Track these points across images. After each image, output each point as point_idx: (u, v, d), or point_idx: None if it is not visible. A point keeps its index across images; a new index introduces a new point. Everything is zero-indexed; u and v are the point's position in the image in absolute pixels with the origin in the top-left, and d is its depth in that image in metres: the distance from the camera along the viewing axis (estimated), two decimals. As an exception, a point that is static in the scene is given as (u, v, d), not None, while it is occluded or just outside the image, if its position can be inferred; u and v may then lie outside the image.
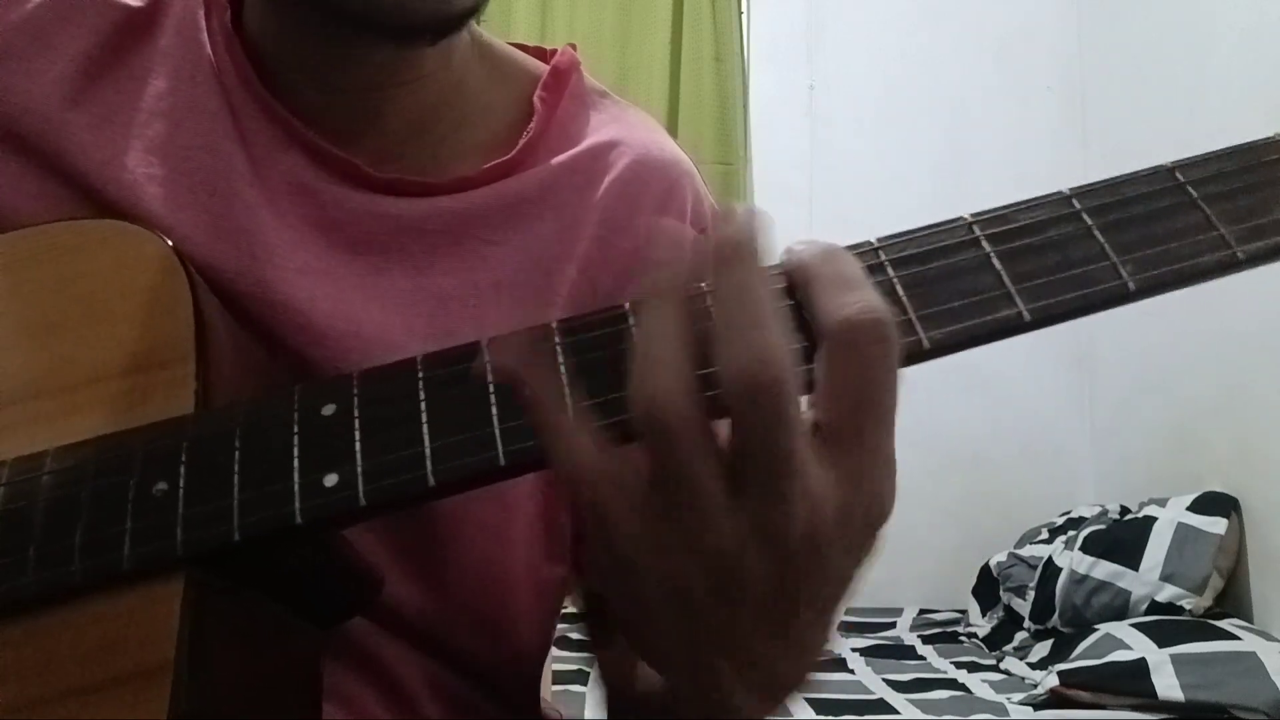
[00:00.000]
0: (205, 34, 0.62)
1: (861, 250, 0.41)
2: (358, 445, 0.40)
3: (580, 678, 2.00)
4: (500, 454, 0.39)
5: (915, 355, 0.39)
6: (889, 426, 0.37)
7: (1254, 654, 1.93)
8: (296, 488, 0.40)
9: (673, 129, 3.09)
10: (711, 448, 0.36)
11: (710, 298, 0.38)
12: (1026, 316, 0.39)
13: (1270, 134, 0.43)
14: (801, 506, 0.36)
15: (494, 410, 0.40)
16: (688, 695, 0.42)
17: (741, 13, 3.31)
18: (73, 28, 0.61)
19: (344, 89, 0.60)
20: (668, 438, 0.35)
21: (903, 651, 2.56)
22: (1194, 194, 0.41)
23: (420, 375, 0.41)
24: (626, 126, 0.67)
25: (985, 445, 3.12)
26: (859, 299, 0.37)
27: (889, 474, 0.38)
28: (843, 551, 0.37)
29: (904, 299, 0.39)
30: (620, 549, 0.37)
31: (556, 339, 0.40)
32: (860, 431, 0.37)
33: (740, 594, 0.37)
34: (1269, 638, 2.05)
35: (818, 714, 2.02)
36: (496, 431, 0.39)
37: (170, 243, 0.50)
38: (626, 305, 0.41)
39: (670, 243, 0.39)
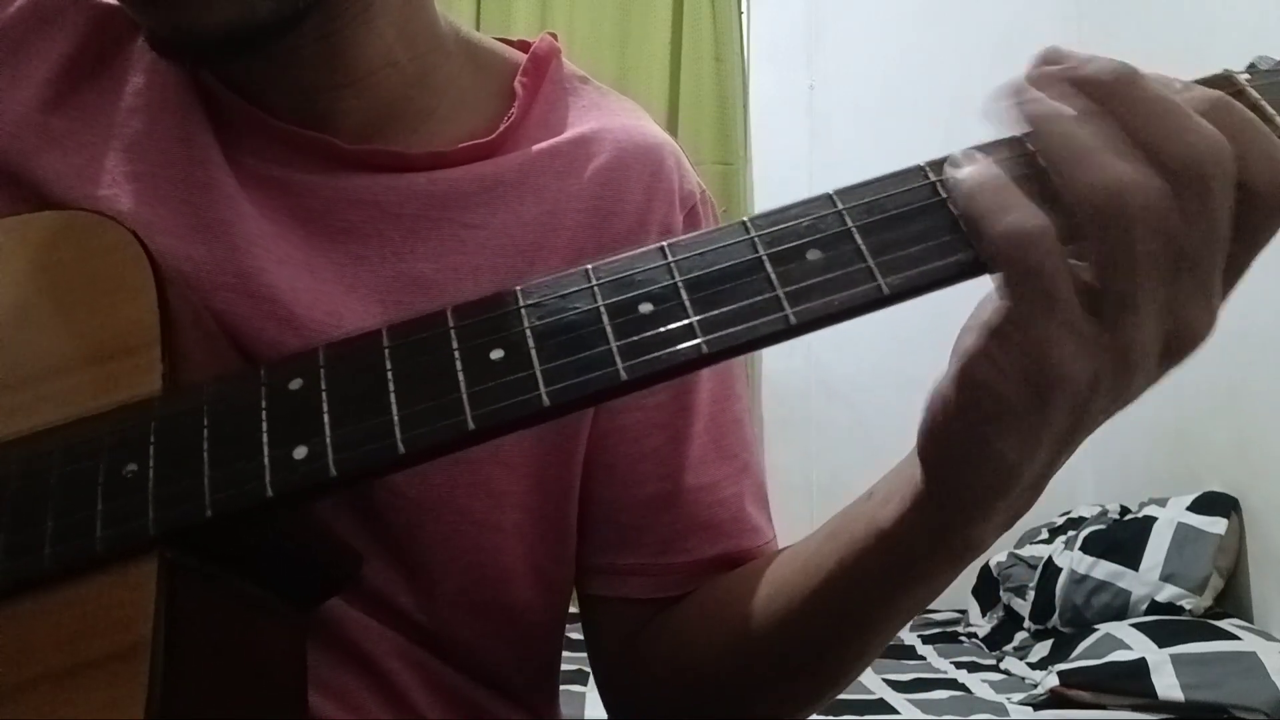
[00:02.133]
0: None
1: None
2: (326, 417, 0.40)
3: (580, 678, 2.00)
4: (469, 418, 0.39)
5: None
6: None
7: (1254, 654, 1.93)
8: (266, 461, 0.40)
9: (673, 129, 3.09)
10: (1162, 239, 0.37)
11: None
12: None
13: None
14: (1207, 320, 0.39)
15: (460, 376, 0.40)
16: (980, 498, 0.43)
17: (741, 13, 3.32)
18: (53, 31, 0.61)
19: (290, 90, 0.60)
20: (1128, 217, 0.36)
21: (903, 651, 2.56)
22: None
23: (386, 345, 0.41)
24: (608, 113, 0.67)
25: (985, 445, 3.11)
26: (1270, 142, 0.39)
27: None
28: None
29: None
30: (1060, 331, 0.37)
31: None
32: (1247, 266, 0.40)
33: (1125, 393, 0.39)
34: (1269, 638, 2.05)
35: (818, 714, 2.01)
36: (464, 397, 0.39)
37: (130, 229, 0.50)
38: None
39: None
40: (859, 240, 0.39)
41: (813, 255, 0.39)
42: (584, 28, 3.21)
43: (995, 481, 0.42)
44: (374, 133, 0.62)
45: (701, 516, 0.64)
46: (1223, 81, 0.42)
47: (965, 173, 0.39)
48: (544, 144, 0.63)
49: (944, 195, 0.40)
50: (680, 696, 0.63)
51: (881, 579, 0.50)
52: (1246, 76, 0.42)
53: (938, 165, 0.41)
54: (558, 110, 0.66)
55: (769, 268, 0.39)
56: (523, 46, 0.69)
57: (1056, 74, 0.39)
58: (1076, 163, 0.37)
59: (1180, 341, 0.38)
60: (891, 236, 0.39)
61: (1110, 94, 0.38)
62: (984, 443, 0.40)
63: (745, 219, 0.41)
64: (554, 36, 0.68)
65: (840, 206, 0.40)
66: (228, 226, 0.58)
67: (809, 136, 3.24)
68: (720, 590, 0.61)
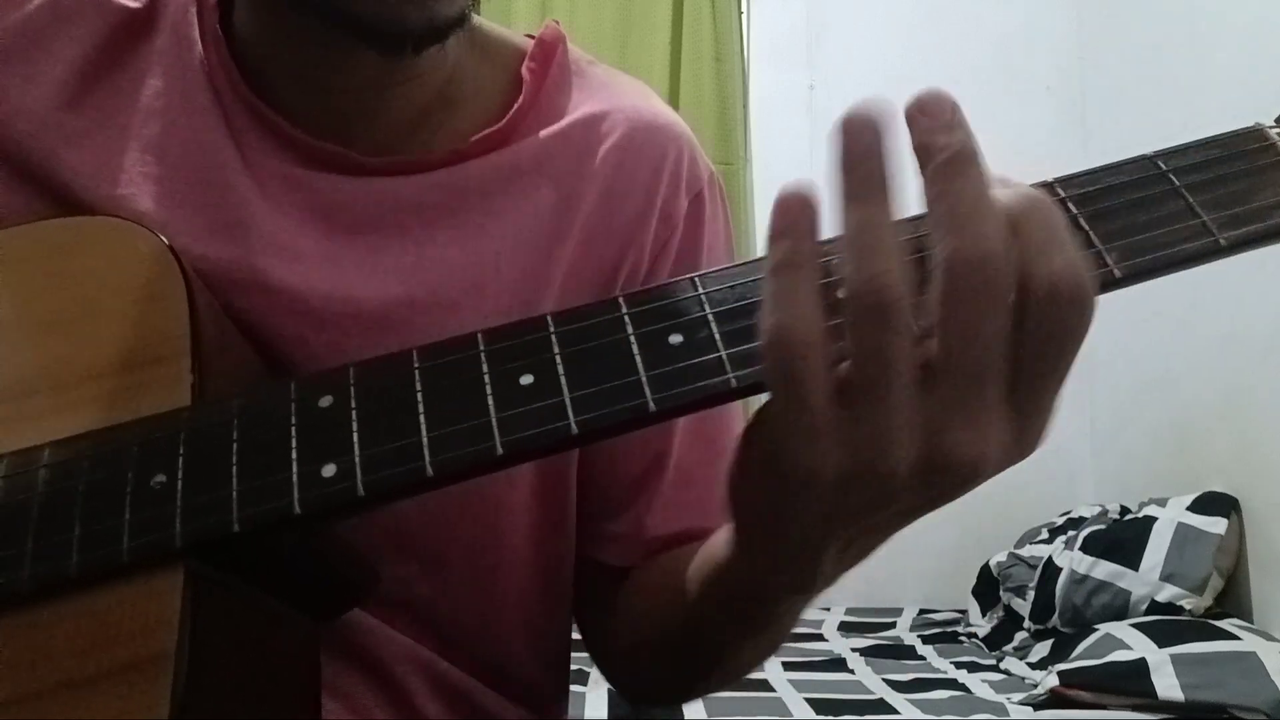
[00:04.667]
0: (197, 31, 0.62)
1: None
2: (355, 436, 0.40)
3: (580, 678, 2.00)
4: (498, 443, 0.39)
5: None
6: (1061, 386, 0.38)
7: (1254, 654, 1.93)
8: (295, 478, 0.40)
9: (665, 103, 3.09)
10: (915, 337, 0.36)
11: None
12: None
13: (1251, 123, 0.43)
14: (972, 444, 0.37)
15: (490, 400, 0.40)
16: (775, 571, 0.43)
17: (741, 13, 3.31)
18: (71, 30, 0.61)
19: (336, 90, 0.60)
20: (885, 312, 0.35)
21: (903, 651, 2.56)
22: (1176, 182, 0.41)
23: (416, 366, 0.41)
24: (617, 94, 0.67)
25: (985, 445, 3.11)
26: (1065, 260, 0.36)
27: (1047, 426, 0.39)
28: (981, 482, 0.39)
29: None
30: (805, 433, 0.37)
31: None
32: (1048, 385, 0.38)
33: (888, 501, 0.38)
34: (1269, 638, 2.05)
35: (818, 714, 2.02)
36: (493, 421, 0.39)
37: (164, 239, 0.50)
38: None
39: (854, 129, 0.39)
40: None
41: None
42: (584, 27, 3.20)
43: (759, 537, 0.43)
44: (406, 132, 0.62)
45: (675, 495, 0.65)
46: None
47: (771, 251, 0.38)
48: (555, 128, 0.64)
49: None
50: (639, 658, 0.65)
51: (711, 596, 0.52)
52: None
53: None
54: (565, 93, 0.66)
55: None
56: (527, 37, 0.70)
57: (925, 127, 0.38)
58: (855, 251, 0.36)
59: (942, 463, 0.37)
60: None
61: (930, 174, 0.37)
62: (746, 503, 0.42)
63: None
64: (558, 24, 0.69)
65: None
66: (244, 226, 0.58)
67: (809, 136, 3.24)
68: (668, 564, 0.62)
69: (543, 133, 0.63)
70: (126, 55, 0.62)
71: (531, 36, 0.69)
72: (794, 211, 0.38)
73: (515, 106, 0.63)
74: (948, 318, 0.36)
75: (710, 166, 0.69)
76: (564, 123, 0.64)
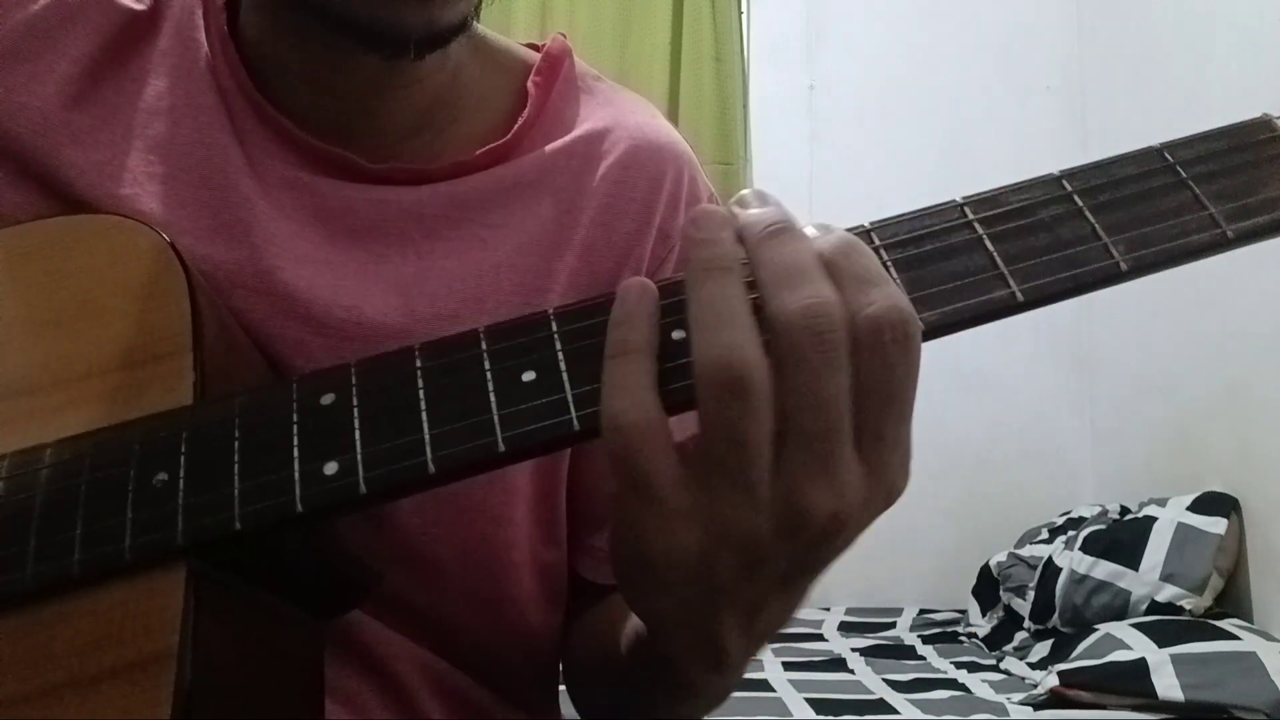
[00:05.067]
0: (202, 33, 0.62)
1: (855, 233, 0.41)
2: (357, 433, 0.40)
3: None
4: (499, 440, 0.39)
5: None
6: (908, 421, 0.38)
7: (1254, 654, 1.93)
8: (297, 476, 0.40)
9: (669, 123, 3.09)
10: (770, 411, 0.36)
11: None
12: (1019, 297, 0.39)
13: (1260, 113, 0.43)
14: (828, 499, 0.36)
15: (492, 397, 0.40)
16: (682, 652, 0.43)
17: (741, 13, 3.32)
18: (77, 29, 0.61)
19: (339, 91, 0.60)
20: (736, 388, 0.36)
21: (903, 651, 2.56)
22: (1183, 174, 0.41)
23: (418, 364, 0.41)
24: (621, 111, 0.67)
25: (985, 445, 3.12)
26: (883, 296, 0.37)
27: (904, 466, 0.39)
28: (857, 531, 0.38)
29: (897, 281, 0.40)
30: (654, 521, 0.37)
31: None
32: (882, 429, 0.37)
33: (760, 570, 0.38)
34: (1269, 638, 2.05)
35: (818, 714, 2.02)
36: (495, 418, 0.39)
37: (166, 236, 0.50)
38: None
39: (705, 220, 0.39)
40: (893, 274, 0.40)
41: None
42: (584, 27, 3.20)
43: (651, 622, 0.43)
44: (408, 135, 0.62)
45: None
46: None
47: (608, 339, 0.39)
48: (559, 143, 0.64)
49: (981, 233, 0.40)
50: (581, 681, 0.67)
51: (637, 660, 0.52)
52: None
53: (975, 202, 0.41)
54: (570, 107, 0.66)
55: None
56: (532, 48, 0.70)
57: (722, 219, 0.39)
58: (699, 330, 0.37)
59: (802, 524, 0.37)
60: (928, 272, 0.40)
61: (751, 247, 0.38)
62: (625, 587, 0.42)
63: None
64: (564, 37, 0.69)
65: (878, 243, 0.41)
66: (247, 228, 0.58)
67: (809, 136, 3.24)
68: (617, 601, 0.63)
69: (547, 147, 0.64)
70: (131, 55, 0.62)
71: (537, 48, 0.69)
72: (631, 299, 0.39)
73: (520, 120, 0.64)
74: (789, 380, 0.36)
75: (710, 187, 0.69)
76: (568, 138, 0.64)
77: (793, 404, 0.36)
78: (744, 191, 0.40)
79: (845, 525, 0.37)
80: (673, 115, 3.17)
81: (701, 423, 0.36)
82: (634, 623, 0.52)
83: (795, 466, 0.36)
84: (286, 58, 0.61)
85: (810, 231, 0.39)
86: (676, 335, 0.39)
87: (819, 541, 0.38)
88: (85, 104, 0.60)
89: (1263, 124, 0.42)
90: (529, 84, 0.65)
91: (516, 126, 0.63)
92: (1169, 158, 0.42)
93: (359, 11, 0.53)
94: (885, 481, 0.38)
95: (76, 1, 0.61)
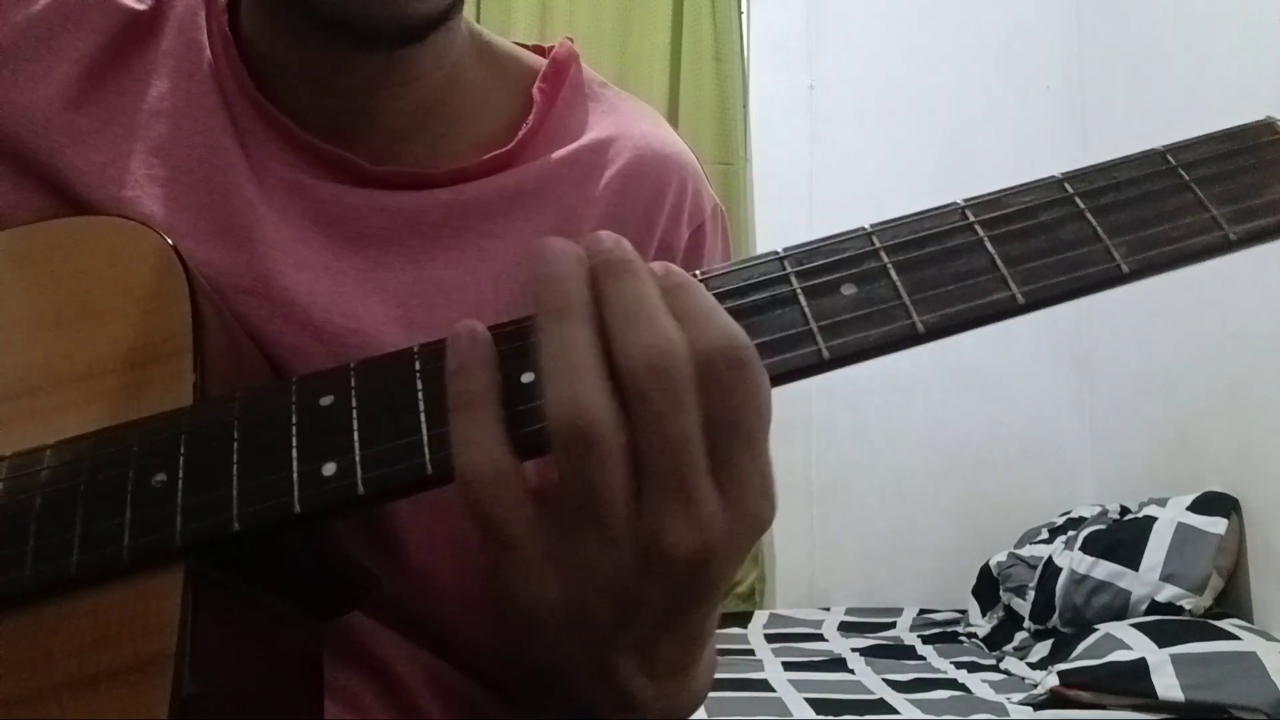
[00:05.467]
0: (205, 34, 0.62)
1: (855, 235, 0.41)
2: (356, 435, 0.40)
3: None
4: None
5: (909, 339, 0.39)
6: (759, 447, 0.38)
7: (1254, 654, 1.93)
8: (295, 477, 0.40)
9: (672, 129, 3.09)
10: (623, 458, 0.36)
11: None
12: (1020, 299, 0.39)
13: (1264, 115, 0.43)
14: (690, 534, 0.36)
15: None
16: (590, 689, 0.43)
17: (741, 13, 3.32)
18: (77, 30, 0.61)
19: (338, 90, 0.60)
20: (588, 442, 0.36)
21: (903, 651, 2.56)
22: (1186, 176, 0.41)
23: (417, 366, 0.41)
24: (626, 119, 0.67)
25: (986, 445, 3.12)
26: (715, 328, 0.37)
27: (766, 491, 0.38)
28: (726, 563, 0.38)
29: (898, 284, 0.39)
30: (517, 569, 0.37)
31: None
32: (733, 459, 0.37)
33: (635, 610, 0.38)
34: (1269, 638, 2.05)
35: (818, 714, 2.02)
36: None
37: (168, 238, 0.50)
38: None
39: (553, 258, 0.39)
40: (894, 276, 0.40)
41: (847, 290, 0.40)
42: (584, 27, 3.20)
43: (556, 673, 0.42)
44: (408, 135, 0.62)
45: None
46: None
47: (451, 388, 0.38)
48: (562, 151, 0.64)
49: (982, 235, 0.40)
50: None
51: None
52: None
53: (976, 205, 0.41)
54: (576, 115, 0.66)
55: (803, 301, 0.40)
56: (539, 51, 0.69)
57: (572, 257, 0.39)
58: (548, 379, 0.37)
59: (665, 558, 0.36)
60: (929, 274, 0.39)
61: (599, 285, 0.38)
62: (521, 647, 0.43)
63: (779, 249, 0.41)
64: (571, 41, 0.69)
65: (878, 244, 0.40)
66: (248, 231, 0.58)
67: (809, 136, 3.24)
68: None
69: (551, 155, 0.63)
70: (132, 57, 0.62)
71: (542, 52, 0.69)
72: (464, 348, 0.39)
73: (525, 128, 0.63)
74: (638, 422, 0.36)
75: (714, 198, 0.69)
76: (572, 146, 0.64)
77: (645, 445, 0.36)
78: (598, 233, 0.40)
79: (711, 558, 0.37)
80: (673, 115, 3.17)
81: (558, 470, 0.37)
82: None
83: (654, 506, 0.36)
84: (285, 57, 0.61)
85: (657, 268, 0.39)
86: (525, 379, 0.39)
87: (687, 576, 0.37)
88: (87, 105, 0.60)
89: (1266, 126, 0.42)
90: (534, 90, 0.65)
91: (521, 134, 0.63)
92: (1172, 160, 0.41)
93: (327, 4, 0.54)
94: (747, 511, 0.38)
95: (77, 1, 0.61)
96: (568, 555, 0.37)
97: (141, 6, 0.62)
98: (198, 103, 0.60)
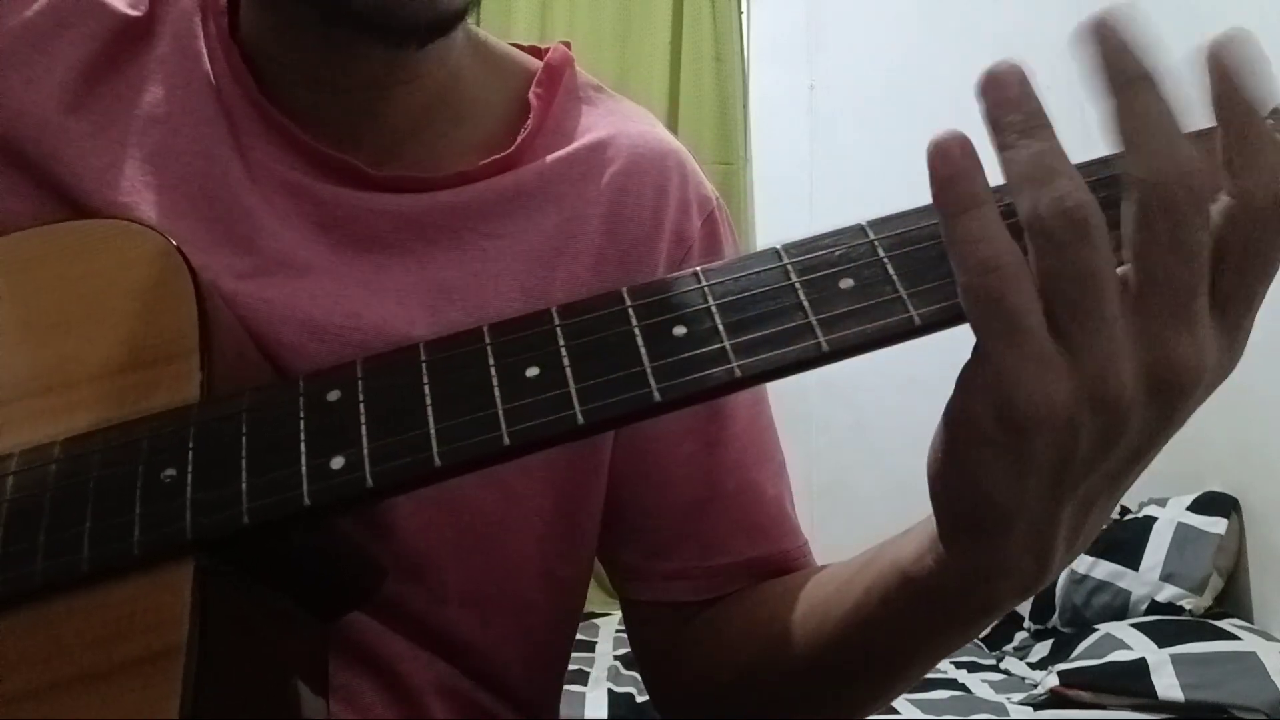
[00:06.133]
0: (202, 41, 0.62)
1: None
2: (363, 428, 0.41)
3: (580, 678, 2.00)
4: (504, 434, 0.39)
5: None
6: (1260, 296, 0.38)
7: (1254, 654, 1.93)
8: (304, 471, 0.40)
9: (673, 129, 3.08)
10: (1109, 252, 0.36)
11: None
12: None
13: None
14: (1191, 350, 0.36)
15: (497, 392, 0.40)
16: (1010, 560, 0.41)
17: (741, 13, 3.31)
18: (72, 34, 0.61)
19: (340, 90, 0.61)
20: (1081, 226, 0.36)
21: (903, 651, 2.56)
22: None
23: (423, 360, 0.42)
24: (622, 120, 0.68)
25: (985, 445, 3.11)
26: (1268, 171, 0.37)
27: (1244, 342, 0.39)
28: (1201, 399, 0.38)
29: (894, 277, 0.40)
30: (1027, 364, 0.36)
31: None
32: (1251, 295, 0.38)
33: (1119, 434, 0.37)
34: (1269, 638, 2.05)
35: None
36: (500, 413, 0.40)
37: (172, 240, 0.50)
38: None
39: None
40: (891, 270, 0.40)
41: (845, 284, 0.40)
42: (584, 28, 3.20)
43: (989, 523, 0.40)
44: (409, 135, 0.62)
45: (743, 519, 0.65)
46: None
47: (948, 195, 0.38)
48: (560, 153, 0.64)
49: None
50: (718, 696, 0.63)
51: (900, 615, 0.48)
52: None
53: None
54: (571, 118, 0.67)
55: (801, 294, 0.40)
56: (533, 52, 0.70)
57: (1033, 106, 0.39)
58: (1028, 186, 0.37)
59: (1166, 374, 0.36)
60: (923, 269, 0.40)
61: (1117, 92, 0.38)
62: (971, 481, 0.39)
63: (778, 245, 0.41)
64: (567, 45, 0.69)
65: (872, 236, 0.41)
66: (248, 236, 0.58)
67: (809, 136, 3.24)
68: (761, 599, 0.62)
69: (548, 157, 0.64)
70: (127, 62, 0.62)
71: (537, 52, 0.69)
72: (956, 155, 0.38)
73: (523, 132, 0.64)
74: (1157, 230, 0.36)
75: (714, 190, 0.70)
76: (569, 148, 0.65)
77: (1158, 254, 0.36)
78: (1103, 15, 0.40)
79: (1199, 384, 0.37)
80: (673, 115, 3.17)
81: (1048, 273, 0.36)
82: (882, 576, 0.49)
83: (1157, 314, 0.36)
84: (286, 57, 0.61)
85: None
86: None
87: (1176, 401, 0.37)
88: (82, 110, 0.60)
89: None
90: (531, 95, 0.66)
91: (520, 139, 0.63)
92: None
93: (360, 3, 0.54)
94: (1234, 349, 0.38)
95: (70, 6, 0.61)
96: (1071, 357, 0.36)
97: (136, 13, 0.62)
98: (194, 110, 0.60)
